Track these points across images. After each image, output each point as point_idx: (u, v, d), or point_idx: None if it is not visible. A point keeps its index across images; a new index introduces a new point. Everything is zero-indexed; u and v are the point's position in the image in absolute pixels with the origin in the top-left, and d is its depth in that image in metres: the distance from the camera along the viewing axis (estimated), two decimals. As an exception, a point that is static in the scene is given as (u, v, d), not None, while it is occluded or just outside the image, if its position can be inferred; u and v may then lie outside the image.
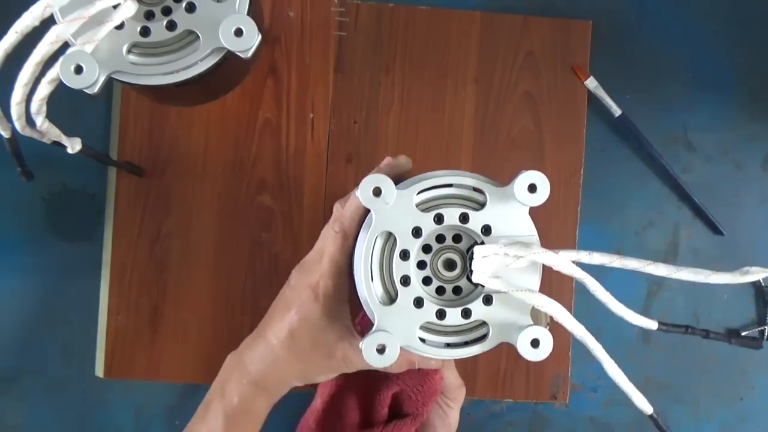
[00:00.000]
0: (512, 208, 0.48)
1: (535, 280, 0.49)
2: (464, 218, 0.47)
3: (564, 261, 0.48)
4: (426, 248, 0.47)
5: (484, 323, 0.47)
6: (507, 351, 0.69)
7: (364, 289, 0.47)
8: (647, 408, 0.52)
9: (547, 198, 0.47)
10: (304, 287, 0.52)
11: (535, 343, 0.47)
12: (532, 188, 0.47)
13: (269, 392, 0.55)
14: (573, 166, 0.70)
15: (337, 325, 0.52)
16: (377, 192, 0.47)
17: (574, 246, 0.69)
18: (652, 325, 0.53)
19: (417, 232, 0.47)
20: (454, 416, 0.61)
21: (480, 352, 0.48)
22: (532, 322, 0.48)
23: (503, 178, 0.69)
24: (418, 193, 0.47)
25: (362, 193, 0.47)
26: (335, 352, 0.52)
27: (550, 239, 0.69)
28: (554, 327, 0.68)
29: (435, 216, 0.47)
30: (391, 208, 0.47)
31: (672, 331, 0.54)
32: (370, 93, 0.69)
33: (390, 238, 0.48)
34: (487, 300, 0.48)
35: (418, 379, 0.60)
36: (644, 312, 0.71)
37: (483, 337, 0.47)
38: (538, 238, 0.49)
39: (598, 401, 0.71)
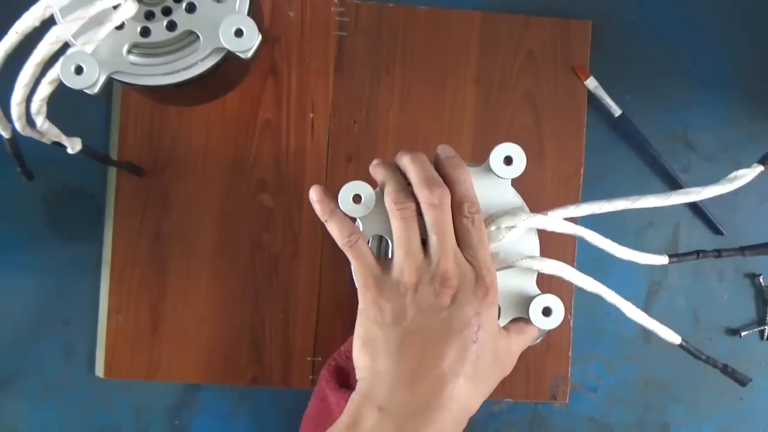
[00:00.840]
0: (493, 184, 0.48)
1: (534, 246, 0.50)
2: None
3: (555, 220, 0.49)
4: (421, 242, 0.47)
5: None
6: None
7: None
8: (675, 338, 0.53)
9: (523, 169, 0.48)
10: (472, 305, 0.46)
11: (546, 311, 0.48)
12: (508, 160, 0.47)
13: None
14: (573, 166, 0.70)
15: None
16: (357, 199, 0.47)
17: (573, 248, 0.69)
18: (662, 260, 0.53)
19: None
20: None
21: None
22: (539, 291, 0.49)
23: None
24: None
25: (342, 203, 0.47)
26: (506, 356, 0.48)
27: (550, 239, 0.69)
28: (555, 329, 0.68)
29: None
30: (375, 212, 0.47)
31: (684, 260, 0.54)
32: (370, 93, 0.69)
33: (382, 241, 0.49)
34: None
35: None
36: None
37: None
38: (525, 206, 0.49)
39: (598, 401, 0.71)
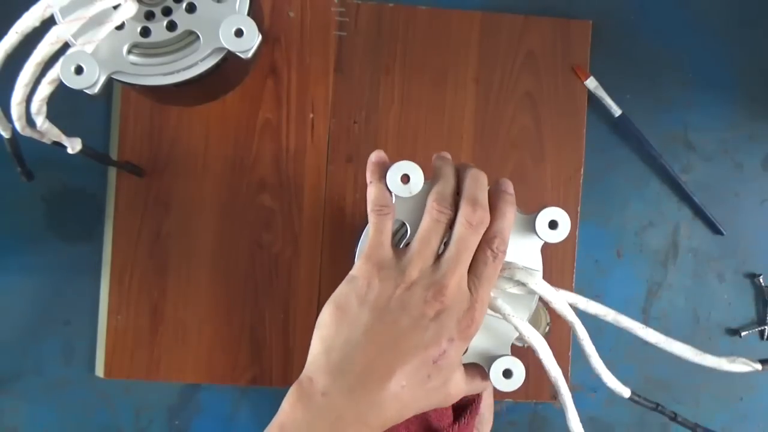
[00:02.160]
0: (527, 239, 0.48)
1: (529, 310, 0.49)
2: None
3: (560, 299, 0.49)
4: None
5: None
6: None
7: None
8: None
9: (565, 236, 0.47)
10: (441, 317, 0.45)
11: (507, 373, 0.48)
12: (553, 225, 0.47)
13: None
14: (573, 166, 0.70)
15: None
16: (405, 179, 0.47)
17: (573, 248, 0.69)
18: (624, 392, 0.54)
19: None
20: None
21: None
22: (508, 353, 0.49)
23: (503, 177, 0.69)
24: None
25: (390, 177, 0.47)
26: (453, 390, 0.48)
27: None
28: (554, 328, 0.68)
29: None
30: (411, 199, 0.47)
31: (642, 404, 0.55)
32: (370, 93, 0.69)
33: (402, 228, 0.49)
34: None
35: None
36: (644, 312, 0.71)
37: None
38: (541, 272, 0.49)
39: (598, 401, 0.71)
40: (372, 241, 0.47)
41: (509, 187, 0.48)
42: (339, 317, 0.46)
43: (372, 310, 0.45)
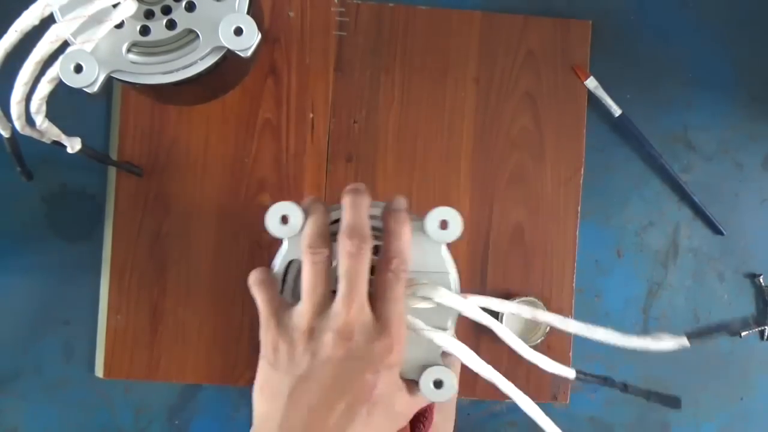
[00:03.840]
0: (427, 242, 0.47)
1: (450, 319, 0.48)
2: (376, 250, 0.46)
3: (471, 306, 0.47)
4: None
5: None
6: (507, 351, 0.68)
7: None
8: (569, 373, 0.52)
9: (458, 235, 0.46)
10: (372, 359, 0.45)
11: (438, 383, 0.47)
12: (444, 224, 0.46)
13: None
14: (573, 166, 0.70)
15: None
16: (285, 220, 0.46)
17: (573, 248, 0.69)
18: (569, 374, 0.52)
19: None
20: None
21: None
22: (440, 362, 0.47)
23: (503, 178, 0.69)
24: (332, 223, 0.47)
25: (269, 221, 0.46)
26: (403, 412, 0.48)
27: (550, 239, 0.69)
28: (555, 329, 0.68)
29: None
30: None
31: (589, 381, 0.54)
32: (370, 93, 0.69)
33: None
34: None
35: None
36: (644, 312, 0.71)
37: None
38: (454, 275, 0.48)
39: (598, 401, 0.71)
40: (262, 308, 0.46)
41: (401, 203, 0.47)
42: (266, 395, 0.45)
43: (287, 374, 0.44)
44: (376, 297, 0.45)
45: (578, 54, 0.70)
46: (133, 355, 0.67)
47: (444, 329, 0.48)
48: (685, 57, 0.72)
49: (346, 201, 0.46)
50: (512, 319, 0.68)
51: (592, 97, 0.70)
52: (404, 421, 0.48)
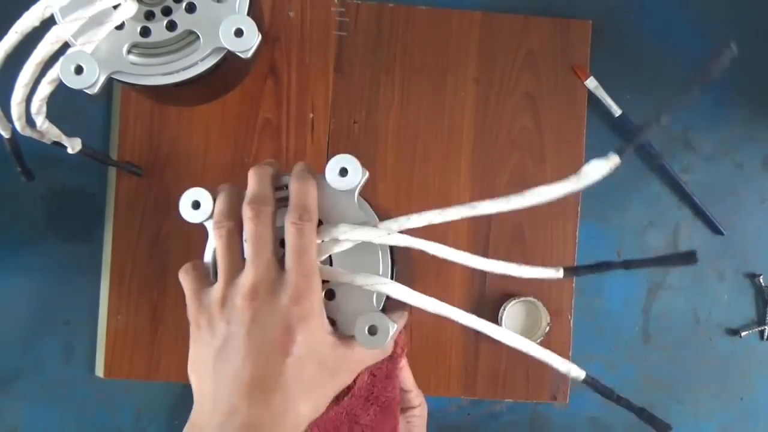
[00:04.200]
0: (340, 196, 0.46)
1: (379, 262, 0.47)
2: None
3: (383, 232, 0.46)
4: None
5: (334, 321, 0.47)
6: (507, 351, 0.69)
7: None
8: (580, 373, 0.50)
9: (361, 179, 0.46)
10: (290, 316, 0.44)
11: (372, 329, 0.45)
12: (343, 172, 0.46)
13: None
14: (573, 166, 0.69)
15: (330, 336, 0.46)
16: (196, 205, 0.47)
17: (573, 248, 0.69)
18: (558, 273, 0.48)
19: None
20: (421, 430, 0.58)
21: None
22: (375, 308, 0.46)
23: (503, 178, 0.69)
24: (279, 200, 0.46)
25: (182, 208, 0.46)
26: (340, 364, 0.47)
27: (550, 239, 0.69)
28: (554, 327, 0.68)
29: None
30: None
31: (582, 274, 0.50)
32: (370, 93, 0.69)
33: None
34: (330, 294, 0.46)
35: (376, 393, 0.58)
36: (645, 312, 0.71)
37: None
38: (374, 219, 0.47)
39: (598, 401, 0.71)
40: (186, 292, 0.46)
41: (300, 164, 0.47)
42: (196, 370, 0.45)
43: (210, 347, 0.44)
44: (285, 252, 0.45)
45: (578, 54, 0.70)
46: (134, 355, 0.67)
47: (377, 273, 0.46)
48: (685, 57, 0.72)
49: (249, 175, 0.46)
50: (512, 317, 0.68)
51: (592, 97, 0.70)
52: (347, 377, 0.47)
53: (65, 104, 0.51)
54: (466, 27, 0.70)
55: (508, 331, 0.48)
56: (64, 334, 0.68)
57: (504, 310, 0.67)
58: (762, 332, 0.71)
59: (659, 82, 0.72)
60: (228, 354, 0.43)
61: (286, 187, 0.46)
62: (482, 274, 0.69)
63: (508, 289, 0.69)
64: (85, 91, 0.48)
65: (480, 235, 0.69)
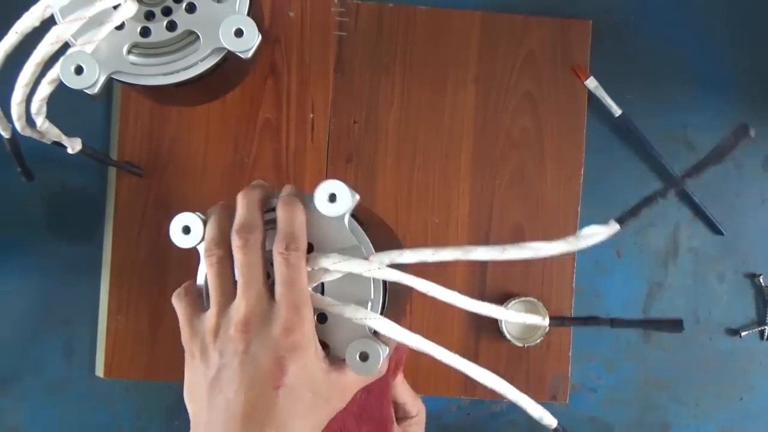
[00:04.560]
0: (330, 220, 0.46)
1: (370, 289, 0.46)
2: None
3: (374, 265, 0.45)
4: None
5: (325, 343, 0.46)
6: (507, 351, 0.69)
7: None
8: (552, 422, 0.49)
9: (350, 205, 0.45)
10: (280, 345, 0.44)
11: (363, 356, 0.45)
12: (332, 198, 0.45)
13: None
14: (573, 166, 0.70)
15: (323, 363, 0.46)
16: (186, 230, 0.47)
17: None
18: (544, 321, 0.50)
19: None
20: None
21: None
22: (368, 335, 0.46)
23: (503, 178, 0.69)
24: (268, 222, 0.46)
25: (173, 234, 0.46)
26: (333, 391, 0.47)
27: (550, 239, 0.69)
28: (555, 329, 0.68)
29: None
30: None
31: (567, 325, 0.50)
32: (370, 93, 0.69)
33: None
34: (322, 318, 0.46)
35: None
36: (645, 312, 0.71)
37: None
38: (368, 246, 0.46)
39: (598, 401, 0.71)
40: (180, 319, 0.46)
41: (288, 188, 0.46)
42: (191, 398, 0.45)
43: (204, 376, 0.44)
44: (275, 284, 0.45)
45: (578, 54, 0.70)
46: (134, 355, 0.67)
47: (368, 300, 0.46)
48: (685, 57, 0.72)
49: (237, 200, 0.46)
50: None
51: (592, 97, 0.70)
52: (340, 402, 0.47)
53: (65, 104, 0.51)
54: (466, 27, 0.70)
55: (489, 373, 0.47)
56: (64, 334, 0.68)
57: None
58: (762, 332, 0.71)
59: (659, 82, 0.72)
60: (222, 385, 0.43)
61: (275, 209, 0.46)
62: (482, 274, 0.69)
63: (508, 290, 0.69)
64: (85, 91, 0.48)
65: (480, 235, 0.69)
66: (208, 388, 0.44)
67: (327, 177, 0.68)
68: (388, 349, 0.46)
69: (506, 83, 0.70)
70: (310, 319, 0.44)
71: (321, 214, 0.45)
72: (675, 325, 0.51)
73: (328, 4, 0.69)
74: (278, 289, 0.44)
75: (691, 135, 0.72)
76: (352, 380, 0.47)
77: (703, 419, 0.71)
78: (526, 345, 0.67)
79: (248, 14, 0.50)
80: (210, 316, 0.45)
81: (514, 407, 0.70)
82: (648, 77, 0.72)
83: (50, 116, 0.51)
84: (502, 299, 0.68)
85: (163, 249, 0.67)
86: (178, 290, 0.47)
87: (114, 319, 0.67)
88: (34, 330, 0.68)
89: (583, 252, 0.69)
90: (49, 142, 0.54)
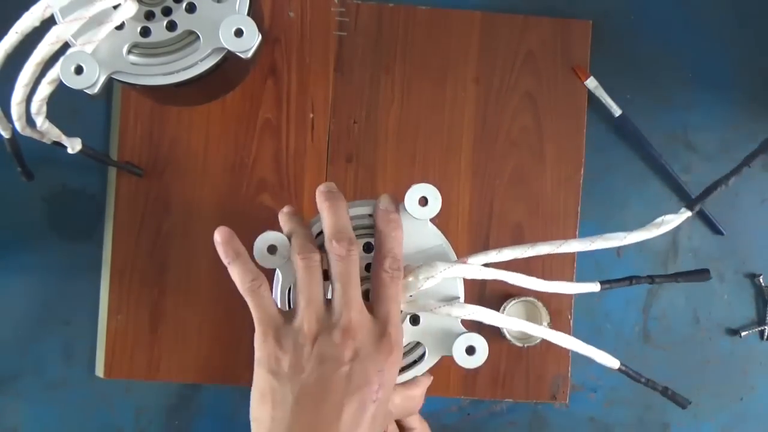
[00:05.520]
0: (412, 223, 0.47)
1: (456, 287, 0.49)
2: (368, 248, 0.47)
3: (475, 268, 0.48)
4: None
5: (418, 343, 0.48)
6: (507, 351, 0.69)
7: None
8: (614, 363, 0.51)
9: (438, 209, 0.47)
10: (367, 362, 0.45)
11: (470, 350, 0.47)
12: (423, 201, 0.47)
13: None
14: (573, 166, 0.70)
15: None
16: (272, 250, 0.47)
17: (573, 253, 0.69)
18: (594, 287, 0.52)
19: (326, 275, 0.46)
20: None
21: (424, 370, 0.48)
22: (465, 330, 0.48)
23: (503, 178, 0.69)
24: (317, 235, 0.47)
25: (257, 254, 0.47)
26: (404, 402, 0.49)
27: (550, 239, 0.69)
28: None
29: None
30: (291, 263, 0.47)
31: (615, 287, 0.52)
32: (370, 93, 0.69)
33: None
34: (414, 320, 0.48)
35: None
36: (644, 312, 0.71)
37: (422, 357, 0.48)
38: (446, 243, 0.48)
39: (598, 401, 0.71)
40: (259, 318, 0.46)
41: (389, 204, 0.48)
42: (269, 402, 0.45)
43: (293, 380, 0.44)
44: (374, 297, 0.46)
45: (578, 54, 0.70)
46: (134, 355, 0.67)
47: (457, 297, 0.48)
48: (685, 57, 0.72)
49: (325, 207, 0.47)
50: (512, 316, 0.68)
51: (592, 97, 0.70)
52: (391, 421, 0.48)
53: (65, 104, 0.51)
54: (466, 27, 0.70)
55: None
56: (64, 334, 0.68)
57: (504, 310, 0.67)
58: (762, 332, 0.71)
59: (659, 82, 0.72)
60: (317, 390, 0.44)
61: (362, 216, 0.48)
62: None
63: (508, 290, 0.69)
64: (85, 91, 0.48)
65: (480, 235, 0.69)
66: (298, 394, 0.44)
67: (327, 177, 0.68)
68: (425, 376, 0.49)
69: (506, 83, 0.70)
70: (402, 336, 0.46)
71: (406, 219, 0.47)
72: (702, 274, 0.53)
73: (328, 4, 0.69)
74: (380, 304, 0.45)
75: (691, 135, 0.72)
76: (421, 394, 0.49)
77: (703, 419, 0.71)
78: (526, 345, 0.67)
79: (248, 14, 0.50)
80: (305, 321, 0.45)
81: (513, 407, 0.71)
82: (648, 77, 0.72)
83: (50, 116, 0.51)
84: (502, 299, 0.68)
85: (163, 249, 0.67)
86: (251, 284, 0.46)
87: (114, 319, 0.67)
88: (34, 330, 0.68)
89: (582, 251, 0.69)
90: (49, 142, 0.54)
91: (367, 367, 0.44)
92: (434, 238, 0.48)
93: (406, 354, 0.48)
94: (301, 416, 0.43)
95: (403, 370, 0.48)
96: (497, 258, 0.49)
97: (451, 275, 0.47)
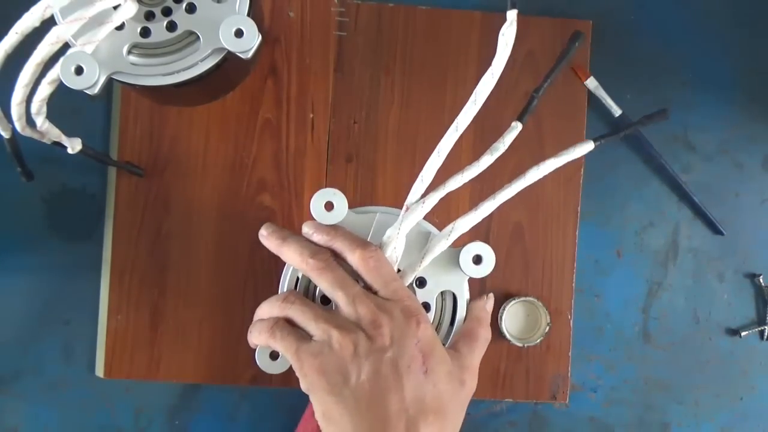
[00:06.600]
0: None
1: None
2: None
3: (446, 232, 0.50)
4: None
5: (441, 295, 0.51)
6: (507, 351, 0.69)
7: None
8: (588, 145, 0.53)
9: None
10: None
11: (477, 259, 0.48)
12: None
13: None
14: (573, 166, 0.69)
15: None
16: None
17: (573, 248, 0.69)
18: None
19: (325, 301, 0.49)
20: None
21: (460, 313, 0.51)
22: (467, 274, 0.49)
23: (503, 180, 0.69)
24: (296, 285, 0.49)
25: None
26: (463, 372, 0.50)
27: (550, 239, 0.69)
28: (554, 327, 0.68)
29: None
30: None
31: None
32: (370, 93, 0.69)
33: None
34: (421, 283, 0.50)
35: None
36: (644, 312, 0.71)
37: (446, 306, 0.50)
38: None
39: (598, 401, 0.71)
40: (292, 351, 0.46)
41: (312, 224, 0.50)
42: (333, 419, 0.45)
43: (345, 388, 0.45)
44: (373, 286, 0.48)
45: (578, 54, 0.70)
46: (134, 355, 0.67)
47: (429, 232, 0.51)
48: (685, 57, 0.72)
49: (279, 246, 0.49)
50: (512, 317, 0.68)
51: (592, 97, 0.70)
52: (471, 383, 0.49)
53: (65, 104, 0.51)
54: (466, 27, 0.70)
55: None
56: (64, 334, 0.68)
57: (504, 310, 0.67)
58: (762, 332, 0.71)
59: (659, 82, 0.72)
60: (374, 386, 0.44)
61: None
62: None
63: (508, 289, 0.69)
64: (86, 91, 0.48)
65: (480, 235, 0.69)
66: (355, 397, 0.45)
67: (327, 177, 0.68)
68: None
69: (506, 83, 0.70)
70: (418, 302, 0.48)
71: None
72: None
73: (328, 4, 0.69)
74: (384, 289, 0.47)
75: (691, 135, 0.72)
76: (473, 357, 0.50)
77: (703, 419, 0.71)
78: (525, 345, 0.67)
79: (248, 14, 0.50)
80: (334, 331, 0.45)
81: (514, 407, 0.71)
82: (648, 77, 0.72)
83: (50, 116, 0.51)
84: (502, 299, 0.68)
85: (163, 249, 0.67)
86: (316, 260, 0.47)
87: (114, 319, 0.67)
88: (34, 330, 0.68)
89: (582, 251, 0.70)
90: (49, 142, 0.54)
91: (406, 345, 0.45)
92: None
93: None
94: (369, 416, 0.44)
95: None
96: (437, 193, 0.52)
97: (408, 225, 0.49)
